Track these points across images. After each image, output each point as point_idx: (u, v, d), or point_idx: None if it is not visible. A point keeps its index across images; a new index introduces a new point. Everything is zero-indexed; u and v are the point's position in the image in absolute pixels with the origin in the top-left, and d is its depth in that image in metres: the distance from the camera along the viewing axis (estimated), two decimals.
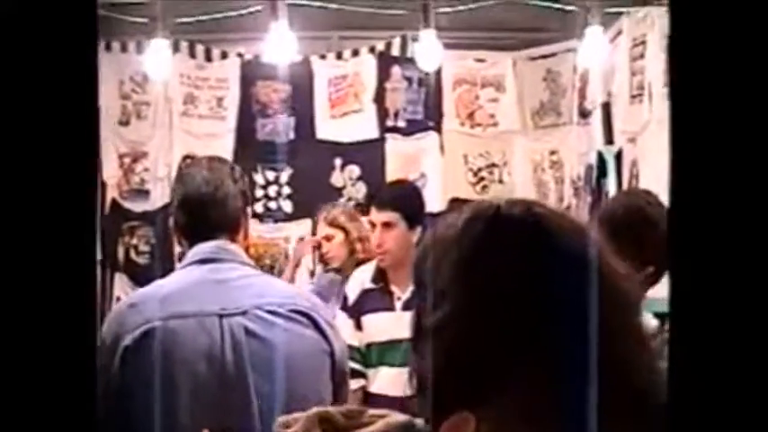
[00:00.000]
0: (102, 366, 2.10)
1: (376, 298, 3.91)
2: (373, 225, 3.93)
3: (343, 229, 4.32)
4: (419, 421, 1.15)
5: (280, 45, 4.44)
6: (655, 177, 3.39)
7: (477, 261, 1.08)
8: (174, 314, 2.13)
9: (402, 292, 3.86)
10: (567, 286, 1.08)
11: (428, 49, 4.59)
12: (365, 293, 3.96)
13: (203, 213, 2.26)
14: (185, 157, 5.23)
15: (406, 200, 3.98)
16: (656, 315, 2.35)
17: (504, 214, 1.12)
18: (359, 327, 3.91)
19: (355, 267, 4.04)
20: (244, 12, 4.91)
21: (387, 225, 3.87)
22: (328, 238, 4.28)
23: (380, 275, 3.95)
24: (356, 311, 3.93)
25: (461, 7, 4.79)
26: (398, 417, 1.16)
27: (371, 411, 1.18)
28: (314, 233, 4.38)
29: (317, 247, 4.34)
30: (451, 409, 1.05)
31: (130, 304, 2.20)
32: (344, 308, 4.03)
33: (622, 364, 1.10)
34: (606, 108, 4.14)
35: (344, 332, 3.90)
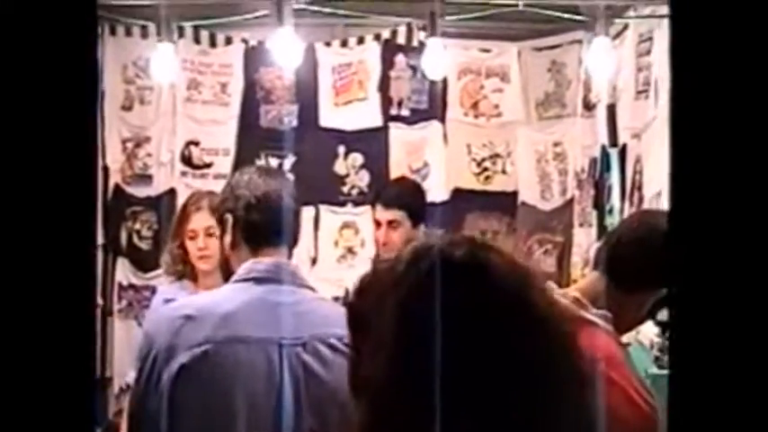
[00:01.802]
0: (147, 374, 2.08)
1: None
2: (378, 223, 3.96)
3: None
4: None
5: (285, 44, 4.42)
6: (658, 174, 3.38)
7: (415, 308, 1.07)
8: (235, 337, 2.10)
9: None
10: (507, 335, 1.07)
11: (434, 58, 4.59)
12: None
13: (279, 216, 2.23)
14: (188, 143, 5.23)
15: (410, 198, 4.03)
16: (658, 323, 2.36)
17: (447, 258, 1.10)
18: None
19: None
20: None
21: (392, 223, 3.92)
22: None
23: None
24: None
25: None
26: None
27: None
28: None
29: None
30: None
31: (187, 316, 2.13)
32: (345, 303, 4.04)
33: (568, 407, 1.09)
34: (611, 109, 4.12)
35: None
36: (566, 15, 4.56)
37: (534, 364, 1.08)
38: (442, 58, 4.57)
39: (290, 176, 2.45)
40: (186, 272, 3.74)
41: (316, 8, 4.65)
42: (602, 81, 4.18)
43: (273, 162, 5.24)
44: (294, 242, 2.29)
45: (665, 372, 2.25)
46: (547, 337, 1.10)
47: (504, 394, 1.06)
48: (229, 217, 2.26)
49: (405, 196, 4.05)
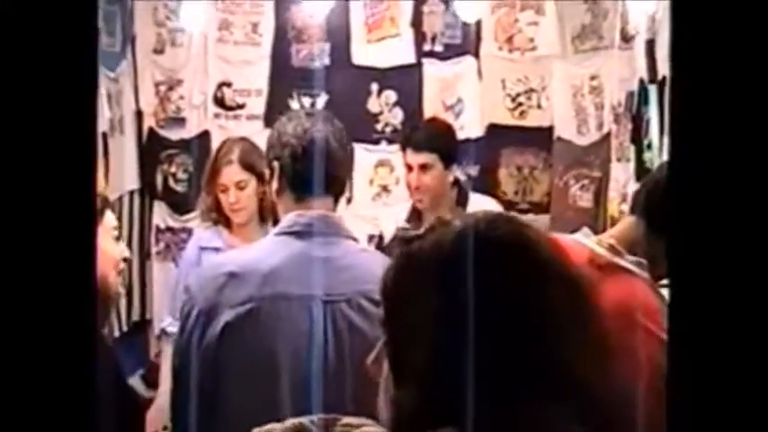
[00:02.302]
0: (190, 331, 2.08)
1: None
2: (410, 167, 3.91)
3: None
4: None
5: None
6: None
7: (461, 295, 1.06)
8: (279, 294, 2.09)
9: None
10: (549, 308, 1.07)
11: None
12: (398, 231, 3.95)
13: (327, 165, 2.18)
14: (221, 84, 5.20)
15: (441, 140, 3.96)
16: None
17: (489, 236, 1.10)
18: None
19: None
20: None
21: (424, 167, 3.87)
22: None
23: (415, 216, 3.95)
24: (392, 252, 3.92)
25: None
26: (373, 428, 1.15)
27: (345, 420, 1.17)
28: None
29: None
30: (435, 426, 1.04)
31: (230, 273, 2.11)
32: (380, 247, 4.03)
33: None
34: (650, 44, 4.02)
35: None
36: None
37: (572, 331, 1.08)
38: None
39: (340, 126, 2.34)
40: (221, 220, 3.75)
41: None
42: (641, 15, 4.07)
43: (306, 101, 5.21)
44: (341, 191, 2.26)
45: None
46: (584, 304, 1.10)
47: (542, 354, 1.06)
48: (276, 164, 2.22)
49: (436, 138, 3.98)
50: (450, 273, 1.09)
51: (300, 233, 2.16)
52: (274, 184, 2.26)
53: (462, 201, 4.04)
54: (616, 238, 2.14)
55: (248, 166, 3.63)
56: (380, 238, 4.18)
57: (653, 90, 3.97)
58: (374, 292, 2.12)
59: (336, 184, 2.23)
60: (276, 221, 2.30)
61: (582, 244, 2.13)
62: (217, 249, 3.63)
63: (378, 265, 2.34)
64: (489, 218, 1.15)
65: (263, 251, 2.20)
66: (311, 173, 2.19)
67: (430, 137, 3.99)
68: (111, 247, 2.20)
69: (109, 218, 2.24)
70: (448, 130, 4.19)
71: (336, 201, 2.26)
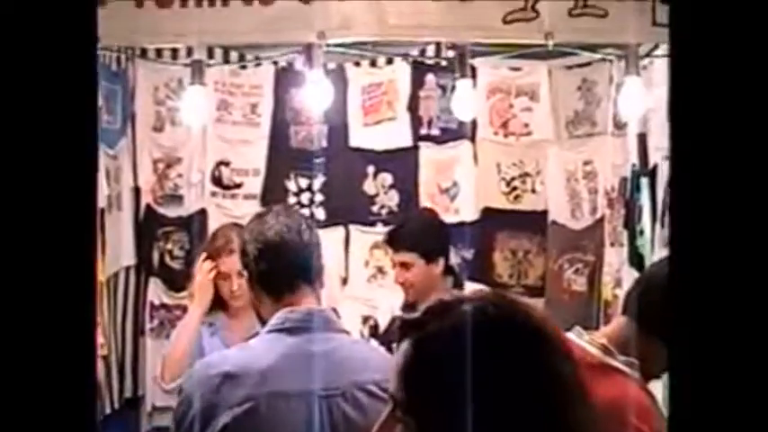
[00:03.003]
0: (186, 429, 2.07)
1: None
2: (393, 263, 3.94)
3: None
4: None
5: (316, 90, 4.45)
6: None
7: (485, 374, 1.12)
8: (277, 392, 2.09)
9: None
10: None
11: (464, 100, 4.60)
12: (396, 321, 3.97)
13: (287, 260, 2.21)
14: (219, 163, 5.26)
15: (422, 237, 3.95)
16: None
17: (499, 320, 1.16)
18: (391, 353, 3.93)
19: None
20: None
21: (404, 265, 3.89)
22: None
23: (409, 304, 3.96)
24: (387, 339, 3.94)
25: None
26: None
27: None
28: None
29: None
30: None
31: (226, 374, 2.10)
32: (375, 335, 4.04)
33: None
34: (642, 138, 4.09)
35: None
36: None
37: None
38: (472, 99, 4.58)
39: (298, 216, 2.38)
40: (217, 304, 3.73)
41: (345, 51, 4.72)
42: (633, 115, 4.14)
43: (303, 182, 5.26)
44: (316, 278, 2.27)
45: None
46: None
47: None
48: (245, 272, 2.28)
49: (416, 236, 3.95)
50: (468, 352, 1.14)
51: (292, 329, 2.17)
52: (252, 291, 2.31)
53: (458, 287, 4.04)
54: (608, 337, 2.15)
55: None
56: (375, 327, 4.19)
57: (645, 181, 4.02)
58: (368, 383, 2.14)
59: (306, 274, 2.24)
60: (263, 322, 2.30)
61: (574, 342, 2.14)
62: (211, 324, 3.62)
63: (370, 356, 2.35)
64: (487, 296, 1.21)
65: (258, 349, 2.20)
66: (275, 271, 2.22)
67: (410, 236, 3.96)
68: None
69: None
70: (430, 226, 4.12)
71: (314, 289, 2.26)
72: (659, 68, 4.04)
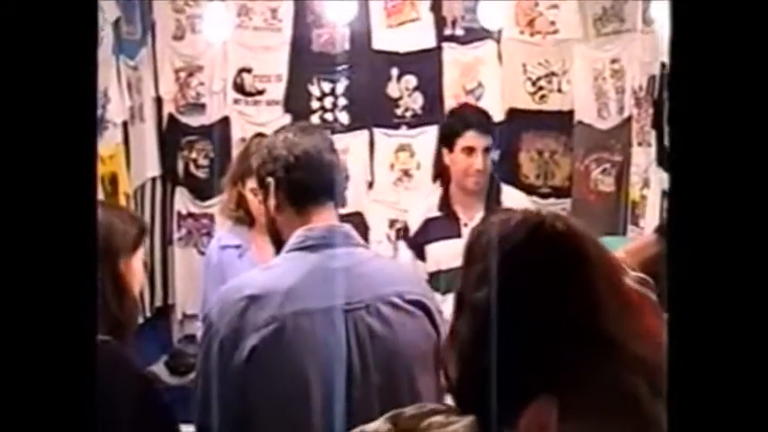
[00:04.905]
0: (217, 356, 2.07)
1: (441, 226, 3.97)
2: (470, 150, 3.92)
3: None
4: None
5: None
6: None
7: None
8: (301, 311, 2.09)
9: (469, 219, 3.89)
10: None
11: (491, 9, 4.48)
12: (429, 222, 4.00)
13: (319, 173, 2.20)
14: (240, 70, 5.20)
15: (493, 125, 4.21)
16: None
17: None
18: (421, 257, 3.94)
19: None
20: None
21: (487, 150, 3.96)
22: None
23: (447, 202, 4.00)
24: (419, 241, 3.97)
25: None
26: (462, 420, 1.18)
27: (434, 419, 1.21)
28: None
29: None
30: (530, 395, 1.08)
31: (250, 296, 2.11)
32: (406, 238, 4.06)
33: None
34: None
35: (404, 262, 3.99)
36: None
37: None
38: (498, 8, 4.47)
39: (328, 134, 2.35)
40: (244, 218, 3.69)
41: None
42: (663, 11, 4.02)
43: (326, 86, 5.20)
44: (340, 198, 2.27)
45: None
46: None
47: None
48: (271, 180, 2.23)
49: (492, 123, 4.16)
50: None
51: (313, 247, 2.16)
52: (272, 201, 2.26)
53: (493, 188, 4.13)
54: (629, 253, 2.12)
55: None
56: (404, 230, 4.18)
57: None
58: (391, 295, 2.15)
59: (334, 192, 2.24)
60: (277, 237, 2.29)
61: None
62: (238, 247, 3.61)
63: (392, 269, 2.36)
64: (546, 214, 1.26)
65: (280, 270, 2.19)
66: (309, 182, 2.20)
67: (488, 121, 4.14)
68: (140, 271, 2.24)
69: (143, 247, 2.28)
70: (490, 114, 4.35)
71: (335, 206, 2.26)
72: None
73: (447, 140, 4.07)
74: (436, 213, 4.03)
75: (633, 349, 1.13)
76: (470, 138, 3.95)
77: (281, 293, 2.10)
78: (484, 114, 4.22)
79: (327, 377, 2.08)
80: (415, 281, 2.28)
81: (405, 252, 4.03)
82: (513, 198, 4.06)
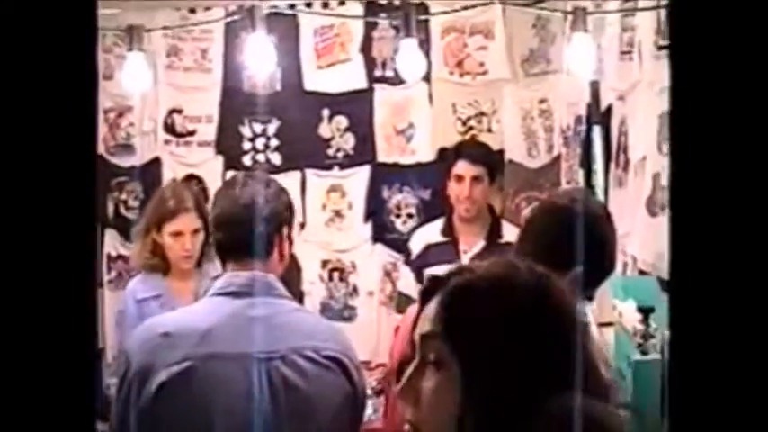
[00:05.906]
0: (126, 393, 2.08)
1: (441, 251, 4.14)
2: (460, 178, 4.17)
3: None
4: None
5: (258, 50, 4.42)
6: (644, 136, 3.35)
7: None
8: (213, 354, 2.10)
9: (469, 247, 4.11)
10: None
11: (409, 61, 4.54)
12: (430, 248, 4.20)
13: (233, 234, 2.23)
14: (171, 111, 5.17)
15: (491, 156, 4.47)
16: (640, 309, 2.35)
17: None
18: (420, 280, 4.10)
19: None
20: None
21: (476, 179, 4.22)
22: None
23: (450, 229, 4.20)
24: (419, 265, 4.15)
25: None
26: None
27: None
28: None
29: None
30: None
31: (164, 333, 2.12)
32: (407, 262, 4.27)
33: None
34: (594, 85, 4.07)
35: (406, 284, 4.19)
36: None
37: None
38: (417, 60, 4.53)
39: (276, 180, 2.39)
40: (160, 265, 3.66)
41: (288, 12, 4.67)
42: (585, 74, 4.11)
43: (258, 127, 5.20)
44: (268, 249, 2.25)
45: (648, 358, 2.25)
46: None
47: None
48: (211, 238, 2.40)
49: (487, 154, 4.41)
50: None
51: (235, 293, 2.19)
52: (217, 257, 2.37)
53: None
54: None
55: (202, 215, 3.60)
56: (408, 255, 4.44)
57: (597, 129, 4.03)
58: (307, 349, 2.16)
59: (255, 245, 2.23)
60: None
61: None
62: (157, 297, 3.58)
63: (311, 322, 2.36)
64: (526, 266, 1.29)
65: (198, 312, 2.23)
66: (226, 241, 2.27)
67: (482, 152, 4.40)
68: None
69: None
70: (491, 149, 4.60)
71: (265, 259, 2.26)
72: (612, 8, 4.00)
73: (446, 170, 4.42)
74: (438, 239, 4.33)
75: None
76: (461, 167, 4.29)
77: (197, 334, 2.12)
78: (480, 146, 4.57)
79: (235, 422, 2.08)
80: (333, 336, 2.28)
81: (407, 275, 4.36)
82: (513, 233, 4.14)
